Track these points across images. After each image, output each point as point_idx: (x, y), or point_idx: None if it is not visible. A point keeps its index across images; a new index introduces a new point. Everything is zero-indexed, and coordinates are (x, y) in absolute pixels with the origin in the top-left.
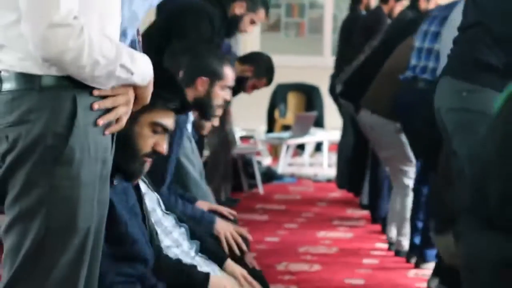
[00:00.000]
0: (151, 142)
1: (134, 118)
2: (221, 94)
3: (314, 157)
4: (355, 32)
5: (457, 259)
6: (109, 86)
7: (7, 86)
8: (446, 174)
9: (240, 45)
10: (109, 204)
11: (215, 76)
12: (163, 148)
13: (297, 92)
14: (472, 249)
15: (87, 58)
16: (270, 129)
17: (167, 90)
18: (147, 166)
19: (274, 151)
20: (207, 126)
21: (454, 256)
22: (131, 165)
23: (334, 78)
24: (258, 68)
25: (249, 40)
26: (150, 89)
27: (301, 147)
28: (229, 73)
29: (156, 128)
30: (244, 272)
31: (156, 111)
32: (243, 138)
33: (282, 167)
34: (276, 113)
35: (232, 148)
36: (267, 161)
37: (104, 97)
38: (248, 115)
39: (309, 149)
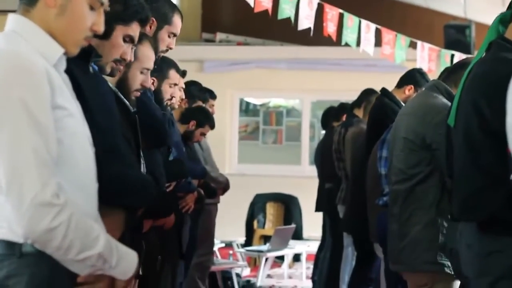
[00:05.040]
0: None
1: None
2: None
3: (293, 267)
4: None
5: None
6: (85, 272)
7: None
8: None
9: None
10: None
11: (164, 21)
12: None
13: (276, 202)
14: None
15: (62, 241)
16: (249, 239)
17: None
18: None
19: (253, 261)
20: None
21: None
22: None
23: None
24: (199, 120)
25: (227, 148)
26: (131, 282)
27: (280, 257)
28: (178, 21)
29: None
30: None
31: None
32: (222, 249)
33: (261, 279)
34: (255, 224)
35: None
36: (246, 272)
37: None
38: (226, 226)
39: (287, 260)
